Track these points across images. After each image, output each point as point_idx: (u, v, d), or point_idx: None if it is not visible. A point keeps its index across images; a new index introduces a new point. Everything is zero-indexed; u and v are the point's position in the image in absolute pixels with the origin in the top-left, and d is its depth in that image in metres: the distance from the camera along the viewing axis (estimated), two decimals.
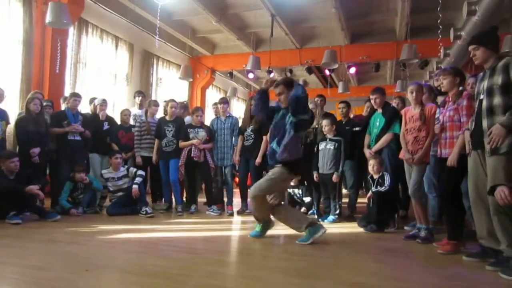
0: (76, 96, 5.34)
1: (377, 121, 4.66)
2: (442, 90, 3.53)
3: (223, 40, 10.72)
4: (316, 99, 5.72)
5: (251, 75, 11.65)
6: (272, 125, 3.70)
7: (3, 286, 2.25)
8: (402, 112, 4.02)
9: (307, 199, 4.81)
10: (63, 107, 5.87)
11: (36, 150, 4.78)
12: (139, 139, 5.53)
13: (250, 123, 5.42)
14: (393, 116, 4.55)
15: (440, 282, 2.48)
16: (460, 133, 3.22)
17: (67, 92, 6.71)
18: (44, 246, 3.18)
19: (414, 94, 3.80)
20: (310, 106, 5.33)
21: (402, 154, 3.88)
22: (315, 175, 4.85)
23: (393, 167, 4.48)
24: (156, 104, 5.80)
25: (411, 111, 3.88)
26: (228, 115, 5.64)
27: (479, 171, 2.84)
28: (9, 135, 5.19)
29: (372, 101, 4.72)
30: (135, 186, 4.99)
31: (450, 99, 3.42)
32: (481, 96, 2.77)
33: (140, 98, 6.46)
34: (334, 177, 4.69)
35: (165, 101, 5.97)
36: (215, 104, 5.87)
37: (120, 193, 5.11)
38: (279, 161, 3.51)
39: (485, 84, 2.75)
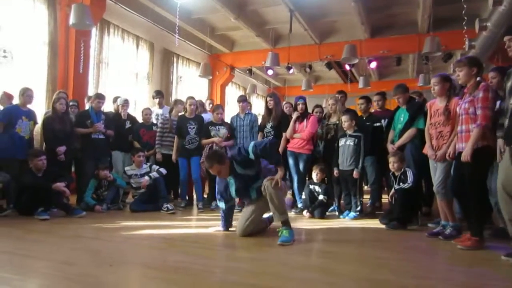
0: (99, 98, 5.46)
1: (402, 117, 4.60)
2: (459, 82, 3.35)
3: (242, 37, 10.74)
4: (337, 95, 5.66)
5: (270, 72, 11.64)
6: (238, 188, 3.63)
7: (34, 280, 2.34)
8: (428, 105, 3.83)
9: (320, 197, 4.79)
10: (87, 106, 6.02)
11: (62, 148, 4.93)
12: (160, 136, 5.62)
13: (269, 119, 5.43)
14: (417, 111, 4.46)
15: (465, 280, 2.43)
16: (474, 126, 3.08)
17: (90, 91, 6.89)
18: (71, 242, 3.28)
19: (434, 88, 3.64)
20: (330, 101, 5.31)
21: (426, 149, 3.76)
22: (335, 171, 4.82)
23: (416, 162, 4.39)
24: (182, 103, 5.86)
25: (436, 105, 3.69)
26: (247, 112, 5.66)
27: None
28: (37, 134, 5.36)
29: (396, 101, 4.65)
30: (146, 178, 5.10)
31: (467, 90, 3.25)
32: None
33: (159, 99, 6.56)
34: (355, 174, 4.64)
35: (176, 100, 6.05)
36: (240, 99, 5.81)
37: (143, 190, 5.20)
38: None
39: None
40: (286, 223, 3.40)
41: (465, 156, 3.06)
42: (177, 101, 5.90)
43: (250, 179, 3.61)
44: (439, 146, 3.59)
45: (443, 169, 3.54)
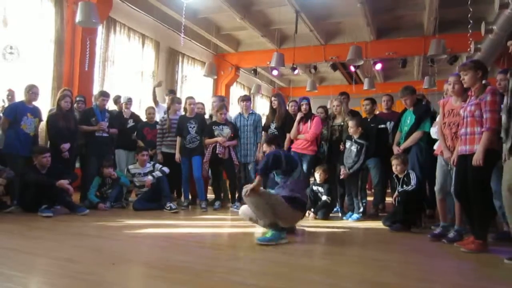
0: (104, 95, 5.49)
1: (408, 119, 4.59)
2: (465, 86, 3.29)
3: (247, 37, 10.76)
4: (340, 96, 5.65)
5: (275, 72, 11.64)
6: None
7: (36, 278, 2.35)
8: (440, 103, 3.74)
9: (323, 198, 4.79)
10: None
11: (66, 145, 4.94)
12: (161, 136, 5.61)
13: (273, 120, 5.43)
14: (423, 114, 4.45)
15: (468, 283, 2.41)
16: (484, 130, 3.05)
17: (96, 89, 6.92)
18: (74, 239, 3.29)
19: (452, 86, 3.52)
20: (335, 103, 5.30)
21: (439, 150, 3.65)
22: (342, 170, 4.80)
23: (421, 165, 4.38)
24: (179, 101, 5.86)
25: (450, 104, 3.59)
26: (251, 112, 5.66)
27: None
28: (41, 131, 5.38)
29: (403, 102, 4.63)
30: (150, 177, 5.11)
31: (473, 93, 3.22)
32: None
33: (169, 96, 6.58)
34: (342, 171, 4.70)
35: (173, 98, 6.00)
36: (243, 98, 5.84)
37: (146, 188, 5.21)
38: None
39: None
40: (271, 226, 3.36)
41: (477, 160, 3.03)
42: (174, 99, 5.88)
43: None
44: (455, 148, 3.46)
45: None
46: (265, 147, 4.05)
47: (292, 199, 3.47)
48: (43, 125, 5.31)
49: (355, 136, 4.74)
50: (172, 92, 6.73)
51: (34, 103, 4.98)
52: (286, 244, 3.29)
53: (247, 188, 3.37)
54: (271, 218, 3.36)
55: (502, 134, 2.85)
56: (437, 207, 3.75)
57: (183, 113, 5.64)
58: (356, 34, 9.66)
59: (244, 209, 3.81)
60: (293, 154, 5.18)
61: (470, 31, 6.88)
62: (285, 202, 3.41)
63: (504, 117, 2.80)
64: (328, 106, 5.83)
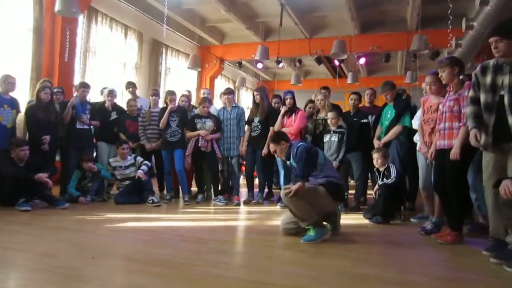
0: (84, 86, 5.38)
1: (389, 113, 4.65)
2: (443, 82, 3.36)
3: (232, 30, 10.68)
4: (323, 91, 5.66)
5: (260, 65, 11.61)
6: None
7: (13, 273, 2.31)
8: (421, 100, 3.87)
9: None
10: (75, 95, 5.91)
11: (48, 137, 4.84)
12: (143, 129, 5.54)
13: (257, 113, 5.42)
14: (403, 109, 4.52)
15: (445, 274, 2.49)
16: (461, 124, 3.12)
17: (76, 80, 6.77)
18: (52, 233, 3.24)
19: (429, 86, 3.62)
20: (319, 97, 5.31)
21: (419, 147, 3.77)
22: None
23: (401, 159, 4.47)
24: (155, 93, 5.78)
25: (430, 101, 3.72)
26: (234, 105, 5.63)
27: (500, 166, 2.78)
28: (20, 123, 5.24)
29: (384, 98, 4.70)
30: (140, 171, 5.06)
31: (451, 88, 3.29)
32: (502, 92, 2.70)
33: (131, 88, 6.51)
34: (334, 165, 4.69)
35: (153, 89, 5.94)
36: (226, 92, 5.75)
37: (127, 182, 5.16)
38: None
39: (505, 79, 2.68)
40: (314, 225, 3.24)
41: (455, 155, 3.09)
42: (153, 91, 5.82)
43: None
44: (432, 143, 3.58)
45: None
46: (273, 147, 3.63)
47: (332, 185, 3.34)
48: (21, 116, 5.18)
49: (334, 127, 4.79)
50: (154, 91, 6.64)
51: (12, 94, 4.84)
52: (267, 238, 3.30)
53: (289, 189, 3.16)
54: (314, 218, 3.24)
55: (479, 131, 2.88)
56: (425, 204, 3.85)
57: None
58: (340, 28, 9.70)
59: (286, 219, 3.45)
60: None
61: (450, 27, 6.99)
62: (327, 194, 3.29)
63: (485, 115, 2.84)
64: (312, 98, 5.86)
